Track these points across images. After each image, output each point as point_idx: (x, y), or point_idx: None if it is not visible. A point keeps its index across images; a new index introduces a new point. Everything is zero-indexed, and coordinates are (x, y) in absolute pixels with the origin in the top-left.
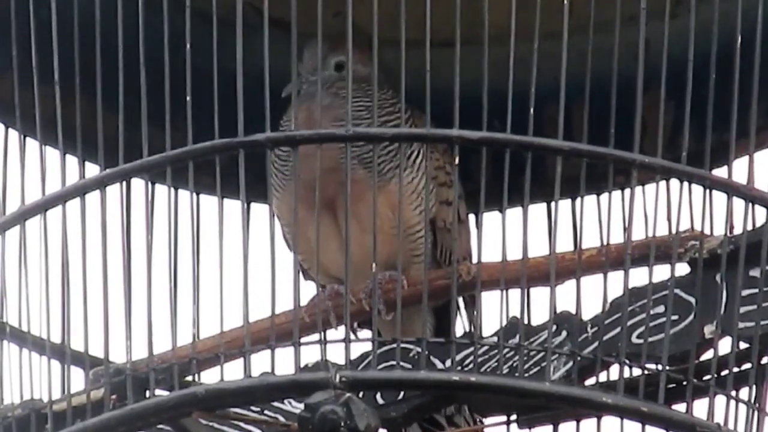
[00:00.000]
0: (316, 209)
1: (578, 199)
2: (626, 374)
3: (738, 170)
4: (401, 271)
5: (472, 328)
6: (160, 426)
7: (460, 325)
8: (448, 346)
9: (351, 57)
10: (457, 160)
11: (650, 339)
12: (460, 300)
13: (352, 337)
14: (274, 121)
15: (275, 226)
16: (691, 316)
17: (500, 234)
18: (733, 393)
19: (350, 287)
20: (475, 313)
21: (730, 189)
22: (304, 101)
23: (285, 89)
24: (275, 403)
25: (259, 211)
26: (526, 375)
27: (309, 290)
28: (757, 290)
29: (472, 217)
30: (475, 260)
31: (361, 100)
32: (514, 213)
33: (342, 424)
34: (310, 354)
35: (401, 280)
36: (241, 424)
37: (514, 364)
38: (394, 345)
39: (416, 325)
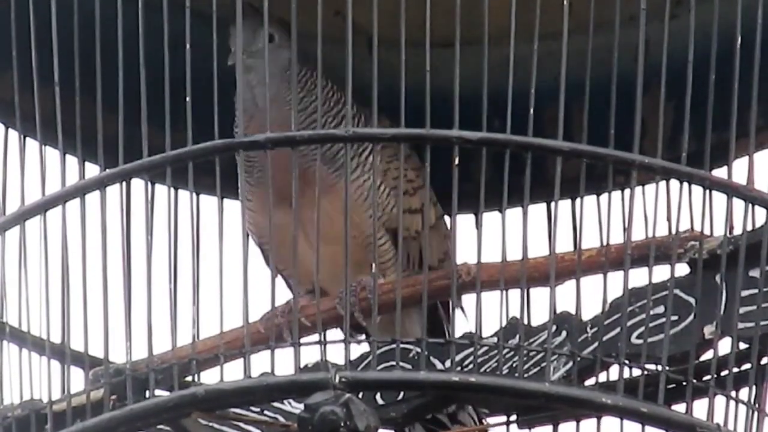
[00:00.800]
0: (291, 214)
1: (578, 200)
2: (626, 375)
3: (738, 171)
4: (376, 276)
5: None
6: (160, 426)
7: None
8: (448, 346)
9: (350, 56)
10: (456, 161)
11: (650, 339)
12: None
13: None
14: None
15: (245, 225)
16: (691, 317)
17: (500, 234)
18: (733, 393)
19: (329, 291)
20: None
21: (730, 189)
22: (248, 108)
23: (229, 58)
24: (275, 404)
25: None
26: (526, 375)
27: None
28: (756, 291)
29: (471, 218)
30: (473, 260)
31: (307, 97)
32: (514, 213)
33: (342, 424)
34: (310, 354)
35: (374, 285)
36: (241, 425)
37: (514, 365)
38: (394, 345)
39: (408, 327)
